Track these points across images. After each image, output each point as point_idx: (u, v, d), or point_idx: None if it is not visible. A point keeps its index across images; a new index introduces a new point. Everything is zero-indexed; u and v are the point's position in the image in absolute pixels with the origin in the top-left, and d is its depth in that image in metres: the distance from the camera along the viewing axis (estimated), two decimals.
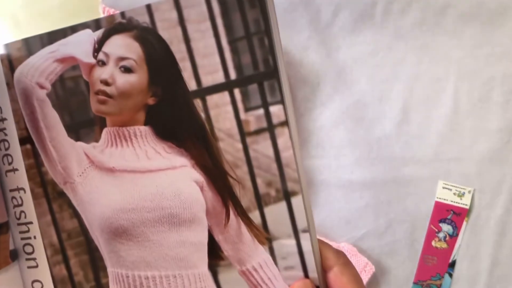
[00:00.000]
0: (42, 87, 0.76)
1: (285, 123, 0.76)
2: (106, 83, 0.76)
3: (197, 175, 0.78)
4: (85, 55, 0.77)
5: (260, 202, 0.77)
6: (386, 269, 1.30)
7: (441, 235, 1.28)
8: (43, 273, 0.81)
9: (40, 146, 0.77)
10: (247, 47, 0.76)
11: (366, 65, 1.29)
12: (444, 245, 1.28)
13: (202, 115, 0.77)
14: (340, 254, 0.79)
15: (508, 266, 1.28)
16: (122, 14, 0.77)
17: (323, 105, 1.30)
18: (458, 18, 1.28)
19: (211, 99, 0.77)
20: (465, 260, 1.29)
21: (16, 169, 0.81)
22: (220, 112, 0.77)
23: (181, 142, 0.78)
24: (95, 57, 0.77)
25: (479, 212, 1.28)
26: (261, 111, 0.76)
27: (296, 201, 0.77)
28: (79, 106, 0.78)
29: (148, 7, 0.77)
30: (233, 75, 0.76)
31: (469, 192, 1.28)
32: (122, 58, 0.77)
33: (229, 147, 0.77)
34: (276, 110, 0.76)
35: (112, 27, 0.78)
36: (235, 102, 0.77)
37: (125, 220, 0.76)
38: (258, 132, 0.77)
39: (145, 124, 0.78)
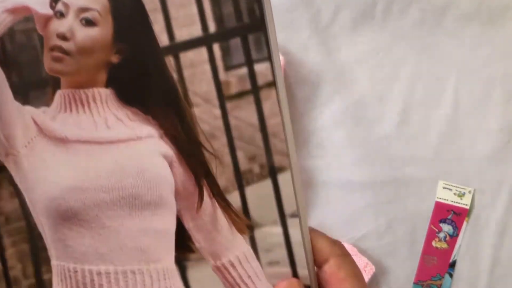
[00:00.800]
0: None
1: (272, 83, 0.58)
2: (63, 37, 0.58)
3: (165, 148, 0.59)
4: (40, 5, 0.58)
5: (241, 180, 0.59)
6: (387, 269, 1.21)
7: (441, 235, 1.20)
8: None
9: None
10: None
11: (366, 65, 1.23)
12: (445, 245, 1.20)
13: (174, 75, 0.58)
14: (336, 244, 0.60)
15: (508, 266, 1.20)
16: None
17: (323, 105, 1.22)
18: (458, 18, 1.22)
19: (186, 57, 0.58)
20: (466, 260, 1.21)
21: None
22: (196, 72, 0.58)
23: (148, 108, 0.59)
24: (52, 7, 0.58)
25: (480, 212, 1.21)
26: (244, 70, 0.58)
27: (284, 178, 0.59)
28: (30, 64, 0.59)
29: None
30: (212, 27, 0.58)
31: (470, 192, 1.20)
32: (84, 9, 0.58)
33: (206, 114, 0.59)
34: (262, 69, 0.58)
35: None
36: (214, 60, 0.58)
37: (76, 201, 0.57)
38: (240, 95, 0.59)
39: (106, 86, 0.59)
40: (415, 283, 1.19)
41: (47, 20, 0.58)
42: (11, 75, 0.58)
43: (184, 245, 0.60)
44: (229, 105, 0.59)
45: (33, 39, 0.58)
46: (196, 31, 0.58)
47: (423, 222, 1.20)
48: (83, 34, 0.58)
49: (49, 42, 0.58)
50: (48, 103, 0.59)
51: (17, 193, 0.58)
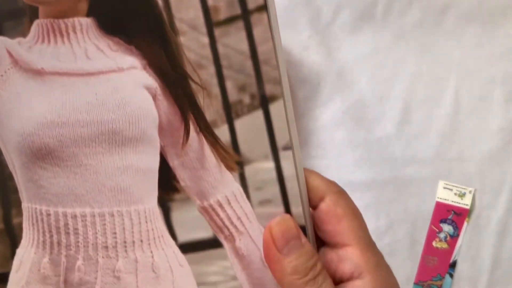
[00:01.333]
0: None
1: (263, 7, 0.53)
2: None
3: (149, 80, 0.54)
4: None
5: (230, 112, 0.55)
6: None
7: (441, 235, 1.18)
8: None
9: None
10: None
11: (367, 64, 1.18)
12: (445, 246, 1.17)
13: (160, 2, 0.54)
14: (331, 182, 0.57)
15: (509, 267, 1.16)
16: None
17: (323, 105, 1.18)
18: (459, 18, 1.18)
19: None
20: (466, 260, 1.17)
21: None
22: None
23: (131, 37, 0.54)
24: None
25: (480, 212, 1.17)
26: None
27: (276, 108, 0.55)
28: None
29: None
30: None
31: (470, 192, 1.17)
32: None
33: (193, 43, 0.54)
34: None
35: None
36: None
37: (51, 137, 0.52)
38: (229, 21, 0.54)
39: (87, 15, 0.55)
40: (415, 283, 1.16)
41: None
42: None
43: (168, 185, 0.56)
44: (217, 31, 0.54)
45: None
46: None
47: (424, 222, 1.17)
48: None
49: None
50: (24, 33, 0.54)
51: None
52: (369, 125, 1.19)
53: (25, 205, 0.54)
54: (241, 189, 0.55)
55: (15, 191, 0.54)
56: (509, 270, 1.16)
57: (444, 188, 1.18)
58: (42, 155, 0.52)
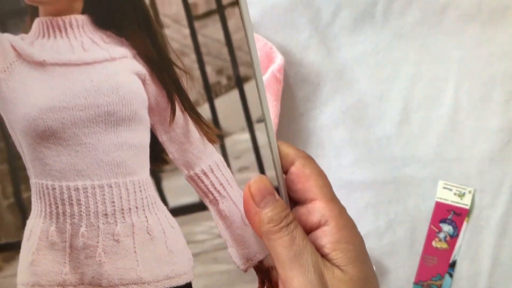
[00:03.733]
0: None
1: (235, 2, 0.62)
2: None
3: (138, 67, 0.63)
4: None
5: (210, 93, 0.64)
6: (387, 270, 1.18)
7: (441, 235, 1.17)
8: None
9: None
10: None
11: (367, 64, 1.19)
12: (445, 245, 1.17)
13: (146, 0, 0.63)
14: (300, 150, 0.65)
15: (508, 267, 1.17)
16: None
17: (323, 105, 1.19)
18: (459, 17, 1.18)
19: None
20: (466, 260, 1.18)
21: None
22: None
23: (121, 30, 0.63)
24: None
25: (480, 212, 1.18)
26: None
27: (249, 87, 0.63)
28: None
29: None
30: None
31: (470, 192, 1.17)
32: None
33: (176, 34, 0.63)
34: None
35: None
36: None
37: (54, 120, 0.60)
38: (207, 15, 0.63)
39: (82, 13, 0.63)
40: (415, 283, 1.17)
41: None
42: None
43: (158, 158, 0.64)
44: (197, 24, 0.63)
45: None
46: None
47: (423, 222, 1.17)
48: None
49: None
50: (26, 30, 0.62)
51: None
52: (369, 125, 1.19)
53: (32, 181, 0.62)
54: (222, 158, 0.64)
55: (23, 168, 0.62)
56: (508, 270, 1.17)
57: (444, 188, 1.18)
58: (46, 136, 0.60)
